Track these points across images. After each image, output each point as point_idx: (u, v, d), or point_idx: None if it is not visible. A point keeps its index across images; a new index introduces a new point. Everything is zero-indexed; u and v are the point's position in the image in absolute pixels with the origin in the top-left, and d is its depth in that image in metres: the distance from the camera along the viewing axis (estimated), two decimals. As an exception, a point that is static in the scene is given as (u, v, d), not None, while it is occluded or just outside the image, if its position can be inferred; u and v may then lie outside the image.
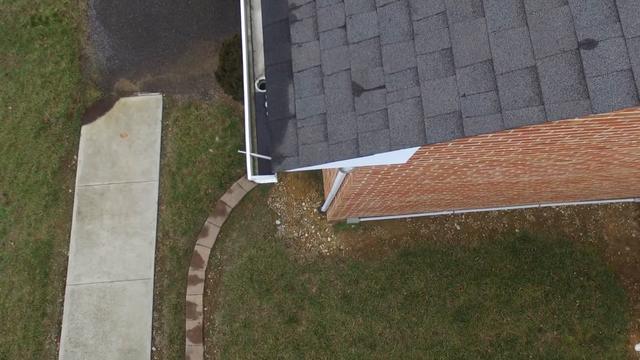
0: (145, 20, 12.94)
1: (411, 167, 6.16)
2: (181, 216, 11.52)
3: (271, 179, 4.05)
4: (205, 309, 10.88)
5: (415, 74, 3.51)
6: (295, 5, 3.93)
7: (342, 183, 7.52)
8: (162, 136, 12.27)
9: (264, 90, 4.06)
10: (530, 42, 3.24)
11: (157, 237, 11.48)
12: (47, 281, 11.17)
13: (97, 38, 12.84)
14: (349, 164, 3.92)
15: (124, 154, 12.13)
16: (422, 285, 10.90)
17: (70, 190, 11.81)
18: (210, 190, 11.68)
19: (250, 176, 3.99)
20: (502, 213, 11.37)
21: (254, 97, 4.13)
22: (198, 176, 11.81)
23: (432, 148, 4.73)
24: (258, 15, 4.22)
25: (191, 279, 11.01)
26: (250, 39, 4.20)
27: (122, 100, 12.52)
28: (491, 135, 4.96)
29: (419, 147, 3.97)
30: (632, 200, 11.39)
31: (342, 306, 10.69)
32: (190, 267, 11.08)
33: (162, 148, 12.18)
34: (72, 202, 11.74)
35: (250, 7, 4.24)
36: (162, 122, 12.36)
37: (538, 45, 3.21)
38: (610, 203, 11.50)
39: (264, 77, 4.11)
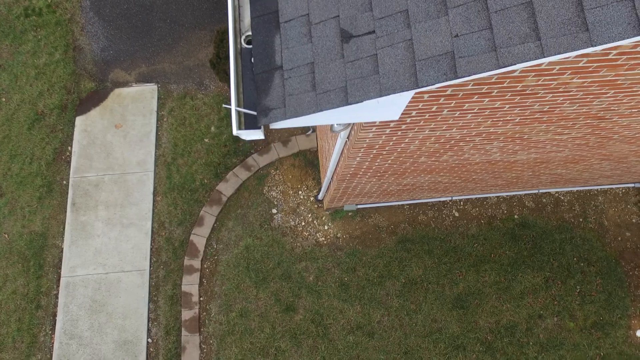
0: (139, 11, 12.83)
1: (406, 140, 6.06)
2: (177, 207, 11.40)
3: (257, 134, 3.93)
4: (201, 298, 10.75)
5: (405, 17, 3.40)
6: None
7: (337, 162, 7.41)
8: (157, 127, 12.16)
9: (251, 46, 3.95)
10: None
11: (152, 228, 11.36)
12: (42, 273, 11.05)
13: (91, 29, 12.73)
14: (338, 116, 3.80)
15: (118, 144, 12.01)
16: (421, 273, 10.77)
17: (64, 182, 11.69)
18: (206, 180, 11.56)
19: (235, 131, 3.87)
20: (501, 199, 11.25)
21: (240, 52, 4.02)
22: (194, 166, 11.70)
23: (425, 97, 4.57)
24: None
25: (187, 268, 10.88)
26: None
27: (117, 91, 12.41)
28: (488, 99, 4.86)
29: (411, 98, 3.85)
30: (632, 185, 11.27)
31: (340, 294, 10.56)
32: (186, 257, 10.96)
33: (158, 138, 12.07)
34: (67, 193, 11.63)
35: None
36: (157, 113, 12.26)
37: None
38: (610, 188, 11.38)
39: (250, 33, 4.00)
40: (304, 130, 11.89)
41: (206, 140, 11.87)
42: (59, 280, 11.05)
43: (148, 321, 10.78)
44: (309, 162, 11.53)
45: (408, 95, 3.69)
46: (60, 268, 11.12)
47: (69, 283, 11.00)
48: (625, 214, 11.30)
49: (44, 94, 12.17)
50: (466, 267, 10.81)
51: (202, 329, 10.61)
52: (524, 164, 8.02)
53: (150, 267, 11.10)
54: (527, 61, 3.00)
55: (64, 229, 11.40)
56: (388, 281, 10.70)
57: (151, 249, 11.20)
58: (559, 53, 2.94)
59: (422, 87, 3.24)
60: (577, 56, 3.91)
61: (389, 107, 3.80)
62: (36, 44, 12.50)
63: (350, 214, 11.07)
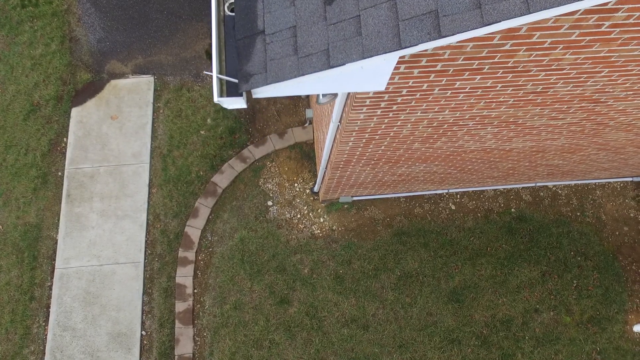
0: (136, 2, 12.78)
1: (398, 123, 5.99)
2: (172, 199, 11.34)
3: (239, 102, 3.86)
4: (196, 290, 10.68)
5: (389, -24, 3.33)
6: None
7: (331, 149, 7.36)
8: (153, 118, 12.10)
9: (233, 14, 3.89)
10: None
11: (147, 220, 11.30)
12: (36, 264, 10.98)
13: (87, 20, 12.68)
14: (321, 85, 3.72)
15: (114, 136, 11.95)
16: (416, 266, 10.69)
17: (59, 173, 11.63)
18: (201, 173, 11.50)
19: (216, 98, 3.80)
20: (498, 192, 11.17)
21: (222, 20, 3.95)
22: (189, 158, 11.63)
23: (415, 72, 4.50)
24: None
25: (181, 260, 10.81)
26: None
27: (113, 82, 12.35)
28: (480, 77, 4.79)
29: (396, 62, 3.78)
30: (630, 179, 11.19)
31: (335, 287, 10.48)
32: (180, 249, 10.89)
33: (153, 130, 12.01)
34: (62, 184, 11.57)
35: None
36: (154, 105, 12.19)
37: None
38: (608, 182, 11.30)
39: (233, 0, 3.94)
40: (301, 122, 11.82)
41: (202, 132, 11.81)
42: (53, 271, 10.99)
43: (142, 313, 10.71)
44: (305, 154, 11.46)
45: (393, 61, 3.62)
46: (54, 260, 11.06)
47: (63, 275, 10.93)
48: (623, 208, 11.22)
49: (39, 85, 12.11)
50: (462, 260, 10.73)
51: (196, 321, 10.53)
52: (519, 153, 7.96)
53: (144, 259, 11.03)
54: (512, 17, 2.93)
55: (58, 220, 11.33)
56: (383, 274, 10.62)
57: (146, 241, 11.14)
58: (546, 8, 2.86)
59: (406, 47, 3.17)
60: (569, 25, 3.85)
61: (374, 75, 3.72)
62: (32, 34, 12.45)
63: (346, 206, 11.00)
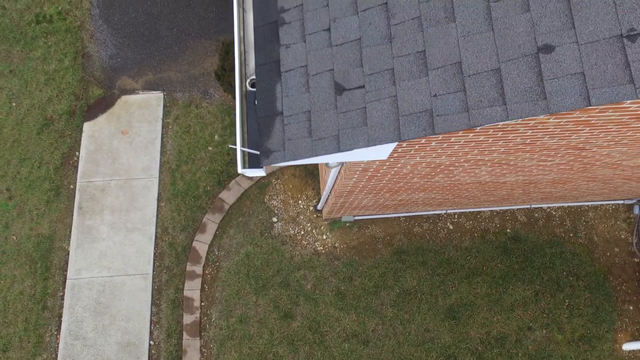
0: (147, 19, 13.18)
1: (399, 165, 6.38)
2: (180, 213, 11.74)
3: (259, 172, 4.29)
4: (203, 304, 11.10)
5: (392, 74, 3.73)
6: (284, 9, 4.16)
7: (335, 181, 7.73)
8: (162, 134, 12.51)
9: (255, 89, 4.30)
10: (496, 46, 3.46)
11: (156, 233, 11.71)
12: (48, 275, 11.40)
13: (100, 36, 13.08)
14: (331, 159, 4.15)
15: (124, 150, 12.37)
16: (415, 283, 11.11)
17: (71, 186, 12.05)
18: (209, 188, 11.90)
19: (240, 169, 4.23)
20: (494, 213, 11.58)
21: (245, 95, 4.36)
22: (197, 174, 12.04)
23: (417, 147, 4.95)
24: (250, 17, 4.45)
25: (189, 274, 11.24)
26: (243, 40, 4.42)
27: (124, 98, 12.75)
28: (472, 134, 5.19)
29: (396, 144, 4.19)
30: (621, 202, 11.59)
31: (336, 303, 10.91)
32: (188, 263, 11.31)
33: (163, 145, 12.42)
34: (74, 197, 11.98)
35: (243, 9, 4.47)
36: (163, 120, 12.60)
37: (502, 49, 3.44)
38: (601, 205, 11.70)
39: (254, 77, 4.34)
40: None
41: (210, 148, 12.21)
42: (64, 282, 11.41)
43: (150, 324, 11.13)
44: (309, 172, 11.87)
45: (394, 144, 4.04)
46: (66, 270, 11.48)
47: (74, 285, 11.36)
48: (614, 230, 11.63)
49: (53, 99, 12.52)
50: (459, 278, 11.15)
51: (202, 333, 10.96)
52: (513, 184, 8.35)
53: (153, 271, 11.45)
54: (493, 122, 3.34)
55: (70, 232, 11.75)
56: (383, 291, 11.05)
57: (154, 253, 11.55)
58: (521, 117, 3.28)
59: (404, 139, 3.58)
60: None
61: (377, 152, 4.15)
62: (46, 50, 12.85)
63: (348, 224, 11.41)
